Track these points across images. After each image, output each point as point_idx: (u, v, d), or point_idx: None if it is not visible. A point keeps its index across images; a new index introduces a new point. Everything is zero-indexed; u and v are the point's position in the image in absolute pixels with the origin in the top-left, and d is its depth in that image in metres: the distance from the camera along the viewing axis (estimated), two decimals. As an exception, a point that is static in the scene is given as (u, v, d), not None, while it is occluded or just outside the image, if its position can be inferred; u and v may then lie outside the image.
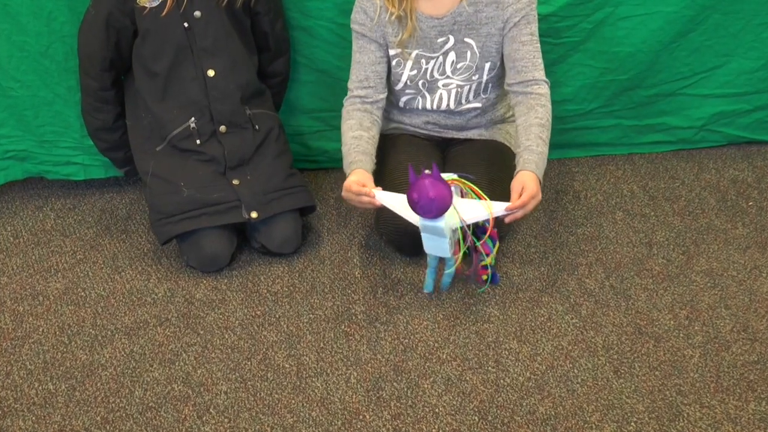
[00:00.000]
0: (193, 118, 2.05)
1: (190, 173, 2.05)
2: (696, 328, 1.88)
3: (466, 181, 1.84)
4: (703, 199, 2.25)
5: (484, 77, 2.06)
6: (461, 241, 1.82)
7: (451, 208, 1.75)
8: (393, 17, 1.98)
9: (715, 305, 1.93)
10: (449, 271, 1.86)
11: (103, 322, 1.92)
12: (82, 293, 2.00)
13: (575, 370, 1.79)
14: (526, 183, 1.84)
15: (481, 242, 1.83)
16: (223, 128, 2.07)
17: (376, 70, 2.04)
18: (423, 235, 1.81)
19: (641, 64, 2.31)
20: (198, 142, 2.06)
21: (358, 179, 1.91)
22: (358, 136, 2.02)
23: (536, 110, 1.96)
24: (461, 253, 1.83)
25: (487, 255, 1.84)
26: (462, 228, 1.80)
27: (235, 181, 2.05)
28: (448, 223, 1.77)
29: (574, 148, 2.44)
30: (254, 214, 2.02)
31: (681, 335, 1.86)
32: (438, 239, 1.79)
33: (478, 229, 1.83)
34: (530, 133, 1.93)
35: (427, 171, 1.73)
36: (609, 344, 1.85)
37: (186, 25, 2.01)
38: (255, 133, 2.09)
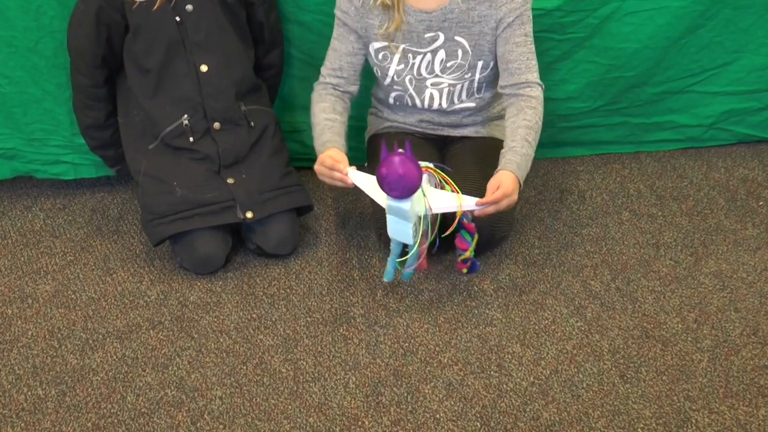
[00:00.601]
0: (186, 115, 2.06)
1: (183, 172, 2.06)
2: (705, 331, 1.88)
3: (441, 172, 1.85)
4: (712, 198, 2.26)
5: (477, 76, 2.06)
6: (428, 233, 1.82)
7: (420, 194, 1.78)
8: (378, 2, 1.97)
9: (724, 308, 1.94)
10: (410, 268, 1.84)
11: (94, 326, 1.92)
12: (73, 296, 2.00)
13: (580, 375, 1.79)
14: (503, 181, 1.88)
15: (458, 237, 1.85)
16: (217, 125, 2.07)
17: (350, 61, 2.05)
18: (388, 217, 1.83)
19: (648, 60, 2.32)
20: (191, 139, 2.07)
21: (333, 155, 1.94)
22: (332, 118, 2.04)
23: (525, 112, 1.97)
24: (426, 245, 1.83)
25: (465, 250, 1.85)
26: (427, 218, 1.80)
27: (230, 180, 2.06)
28: (414, 207, 1.79)
29: (580, 147, 2.45)
30: (249, 214, 2.02)
31: (689, 339, 1.86)
32: (402, 223, 1.81)
33: (458, 224, 1.84)
34: (516, 135, 1.95)
35: (400, 150, 1.75)
36: (615, 348, 1.85)
37: (178, 19, 2.02)
38: (250, 130, 2.10)
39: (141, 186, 2.08)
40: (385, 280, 1.93)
